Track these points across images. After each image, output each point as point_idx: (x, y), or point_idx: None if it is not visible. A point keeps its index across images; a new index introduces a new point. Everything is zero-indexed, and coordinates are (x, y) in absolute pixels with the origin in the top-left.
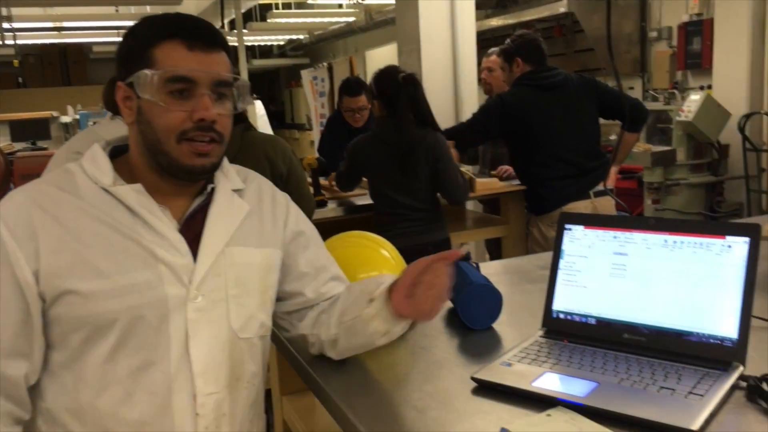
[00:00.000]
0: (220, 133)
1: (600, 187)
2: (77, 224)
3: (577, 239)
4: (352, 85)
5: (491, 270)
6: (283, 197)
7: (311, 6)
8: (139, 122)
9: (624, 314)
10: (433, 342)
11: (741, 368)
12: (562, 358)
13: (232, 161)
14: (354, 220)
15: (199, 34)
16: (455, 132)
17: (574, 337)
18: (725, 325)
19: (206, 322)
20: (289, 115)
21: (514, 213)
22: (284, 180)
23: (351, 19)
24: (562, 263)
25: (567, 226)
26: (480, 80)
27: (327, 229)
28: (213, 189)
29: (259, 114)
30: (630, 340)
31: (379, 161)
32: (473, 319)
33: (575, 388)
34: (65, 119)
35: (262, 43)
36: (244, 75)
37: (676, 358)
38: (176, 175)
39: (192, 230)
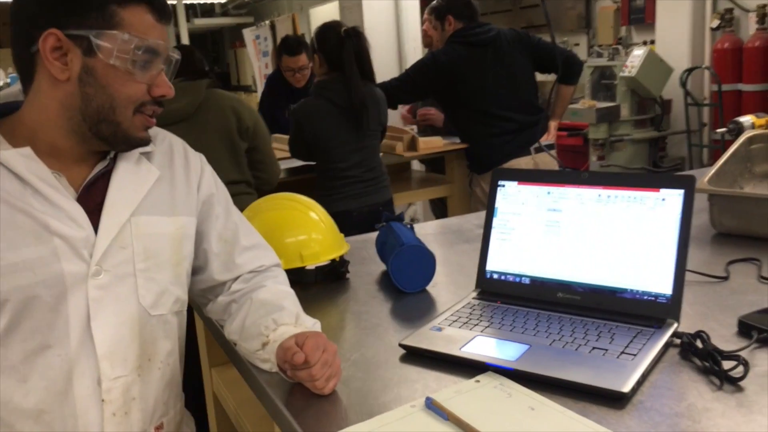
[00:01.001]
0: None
1: (540, 142)
2: None
3: (510, 196)
4: (292, 44)
5: (428, 230)
6: (197, 157)
7: None
8: (84, 83)
9: (558, 273)
10: (364, 307)
11: (675, 325)
12: (494, 320)
13: (195, 112)
14: (294, 182)
15: (164, 5)
16: (386, 88)
17: (508, 297)
18: (659, 281)
19: (111, 300)
20: (235, 76)
21: (458, 172)
22: (250, 135)
23: None
24: (495, 221)
25: (500, 182)
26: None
27: (266, 194)
28: (116, 153)
29: None
30: (564, 300)
31: (330, 122)
32: (405, 282)
33: (506, 351)
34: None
35: (203, 1)
36: (185, 35)
37: (610, 317)
38: (115, 145)
39: (93, 199)
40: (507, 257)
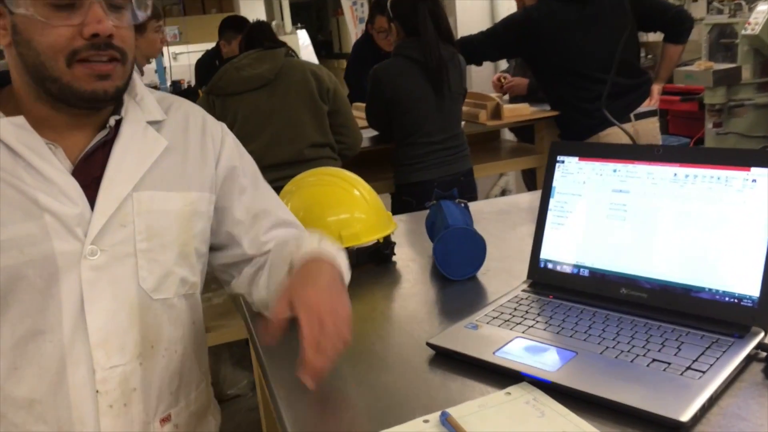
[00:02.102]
0: (121, 50)
1: (642, 108)
2: None
3: (570, 174)
4: (385, 4)
5: (491, 208)
6: (217, 127)
7: None
8: (16, 43)
9: (623, 265)
10: (403, 295)
11: (762, 335)
12: (541, 318)
13: (275, 78)
14: (374, 152)
15: None
16: (468, 42)
17: (563, 291)
18: (745, 280)
19: (107, 282)
20: (337, 44)
21: (548, 142)
22: (331, 97)
23: None
24: (552, 203)
25: (559, 157)
26: None
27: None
28: (119, 121)
29: (303, 44)
30: (628, 297)
31: (410, 80)
32: (451, 268)
33: (547, 359)
34: None
35: None
36: (286, 4)
37: (681, 321)
38: (73, 104)
39: (90, 172)
40: (564, 245)
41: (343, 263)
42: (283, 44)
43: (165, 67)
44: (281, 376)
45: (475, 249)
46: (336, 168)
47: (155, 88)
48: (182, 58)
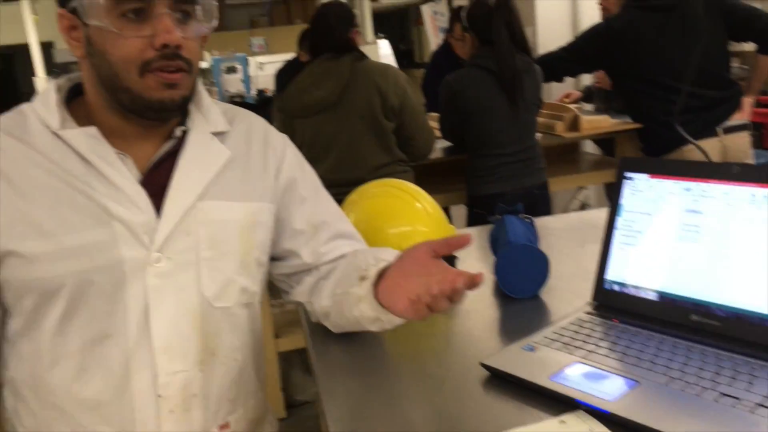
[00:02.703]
0: (188, 61)
1: (732, 121)
2: (22, 175)
3: (639, 191)
4: None
5: (561, 224)
6: (279, 139)
7: None
8: (90, 55)
9: (694, 290)
10: (461, 311)
11: None
12: (604, 343)
13: (338, 100)
14: (446, 163)
15: None
16: (550, 59)
17: (629, 315)
18: None
19: (171, 289)
20: (418, 53)
21: (631, 155)
22: (396, 112)
23: None
24: (619, 221)
25: (628, 173)
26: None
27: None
28: (185, 132)
29: (383, 54)
30: (699, 324)
31: (484, 90)
32: (512, 286)
33: (606, 387)
34: (203, 65)
35: None
36: (368, 14)
37: (755, 353)
38: (143, 114)
39: (157, 181)
40: (631, 266)
41: None
42: (352, 49)
43: (250, 76)
44: (333, 389)
45: (537, 267)
46: (399, 180)
47: (241, 97)
48: (268, 67)
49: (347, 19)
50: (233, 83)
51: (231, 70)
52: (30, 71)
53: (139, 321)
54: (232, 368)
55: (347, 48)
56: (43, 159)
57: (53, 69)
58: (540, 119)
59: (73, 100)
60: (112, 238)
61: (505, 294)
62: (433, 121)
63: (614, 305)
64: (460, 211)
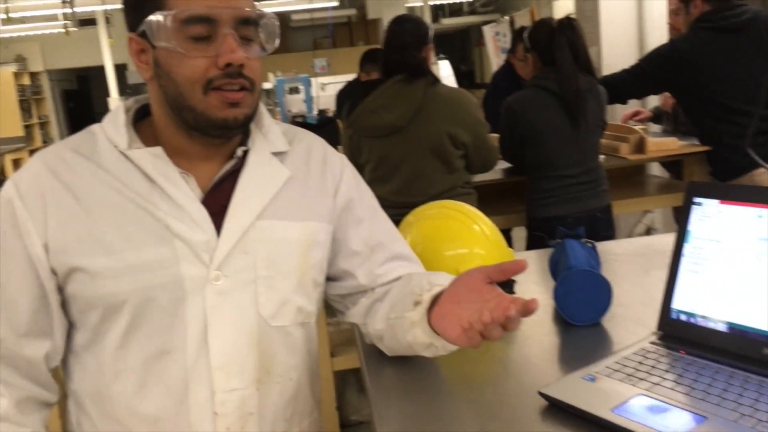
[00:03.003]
0: (251, 80)
1: None
2: (90, 193)
3: (708, 217)
4: None
5: (625, 249)
6: (337, 159)
7: None
8: (158, 76)
9: (766, 322)
10: (519, 337)
11: None
12: (670, 376)
13: (411, 118)
14: (507, 184)
15: None
16: (614, 81)
17: (696, 346)
18: None
19: (229, 307)
20: (479, 74)
21: (699, 179)
22: (467, 145)
23: None
24: (687, 248)
25: (696, 199)
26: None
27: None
28: (246, 152)
29: (444, 75)
30: None
31: (546, 112)
32: (572, 312)
33: (672, 422)
34: (267, 86)
35: (452, 1)
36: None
37: None
38: (206, 132)
39: (218, 200)
40: (700, 295)
41: None
42: (426, 73)
43: (312, 97)
44: (387, 410)
45: (599, 293)
46: (456, 202)
47: (302, 117)
48: (329, 88)
49: (422, 36)
50: (296, 103)
51: (294, 90)
52: (104, 92)
53: (198, 338)
54: (287, 387)
55: (421, 71)
56: (110, 177)
57: (126, 90)
58: (604, 141)
59: (141, 121)
60: (174, 256)
61: (565, 321)
62: (493, 141)
63: (681, 336)
64: (521, 233)
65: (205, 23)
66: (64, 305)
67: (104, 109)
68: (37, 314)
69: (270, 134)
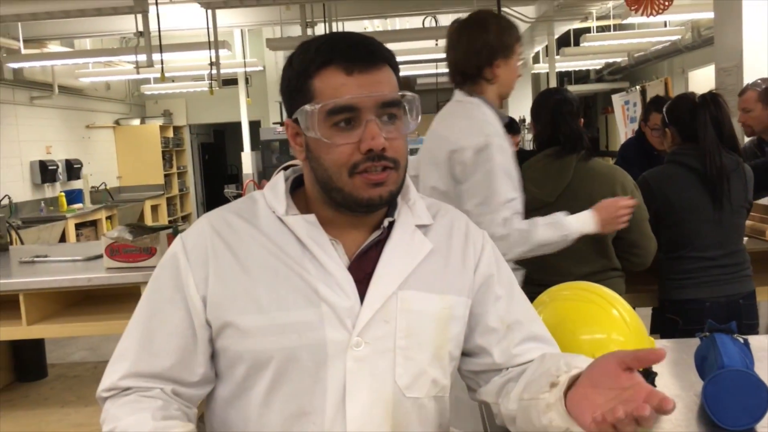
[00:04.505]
0: (394, 159)
1: None
2: (248, 254)
3: None
4: (663, 102)
5: None
6: (479, 235)
7: (631, 27)
8: (309, 159)
9: None
10: None
11: None
12: None
13: (560, 195)
14: None
15: (356, 54)
16: (763, 166)
17: None
18: None
19: (367, 374)
20: (604, 141)
21: None
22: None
23: (675, 37)
24: None
25: None
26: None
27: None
28: (392, 223)
29: None
30: None
31: (685, 189)
32: (723, 415)
33: None
34: None
35: (577, 69)
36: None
37: None
38: (353, 209)
39: (363, 268)
40: None
41: None
42: (580, 147)
43: None
44: None
45: (755, 396)
46: (592, 283)
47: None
48: None
49: (574, 110)
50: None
51: (412, 152)
52: (237, 145)
53: (337, 402)
54: None
55: (574, 145)
56: (267, 241)
57: (258, 145)
58: (749, 222)
59: (296, 190)
60: (319, 319)
61: (712, 423)
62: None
63: None
64: (643, 312)
65: (349, 111)
66: (213, 357)
67: (237, 162)
68: (181, 363)
69: (415, 207)
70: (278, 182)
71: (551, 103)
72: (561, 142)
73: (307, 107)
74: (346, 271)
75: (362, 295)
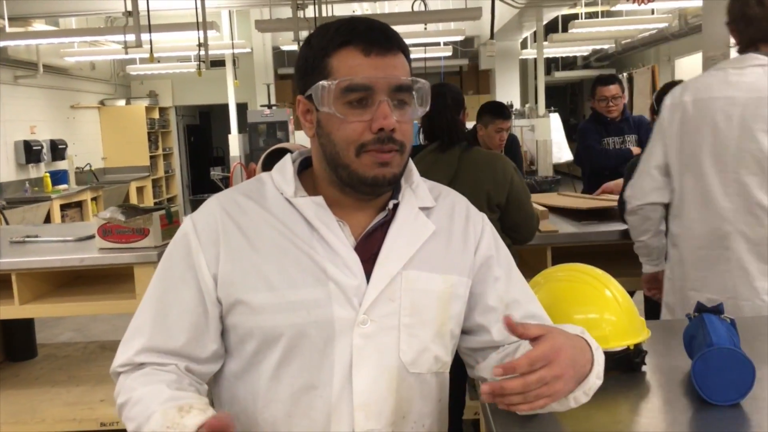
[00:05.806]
0: (400, 142)
1: None
2: (257, 233)
3: None
4: (607, 78)
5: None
6: (479, 217)
7: (618, 14)
8: (319, 135)
9: None
10: (653, 409)
11: None
12: None
13: (448, 185)
14: (624, 246)
15: (374, 38)
16: None
17: None
18: None
19: (373, 350)
20: None
21: None
22: (502, 207)
23: (663, 25)
24: None
25: None
26: None
27: (600, 256)
28: (396, 205)
29: (554, 127)
30: None
31: None
32: (711, 391)
33: None
34: None
35: (564, 55)
36: (541, 87)
37: None
38: (357, 188)
39: (369, 249)
40: None
41: (600, 363)
42: (463, 138)
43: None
44: None
45: (740, 373)
46: (587, 265)
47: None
48: None
49: (448, 102)
50: None
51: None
52: (223, 128)
53: (343, 376)
54: None
55: (451, 138)
56: (276, 221)
57: (245, 128)
58: None
59: (303, 172)
60: (327, 297)
61: (700, 398)
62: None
63: None
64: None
65: (363, 90)
66: (224, 334)
67: (223, 144)
68: (195, 340)
69: (418, 190)
70: (286, 165)
71: (444, 92)
72: (439, 136)
73: (324, 83)
74: (353, 252)
75: (368, 274)
